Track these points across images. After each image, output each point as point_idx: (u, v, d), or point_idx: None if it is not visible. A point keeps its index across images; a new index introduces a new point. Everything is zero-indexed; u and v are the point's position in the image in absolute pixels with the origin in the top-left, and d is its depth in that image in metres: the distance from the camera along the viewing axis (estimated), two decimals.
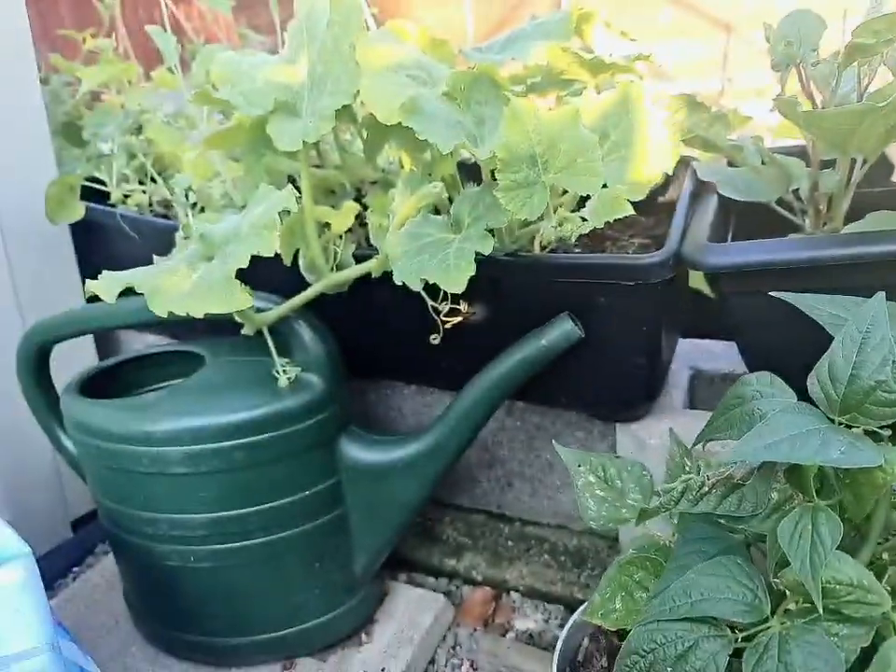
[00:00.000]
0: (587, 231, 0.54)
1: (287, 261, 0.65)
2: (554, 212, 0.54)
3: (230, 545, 0.64)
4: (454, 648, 0.78)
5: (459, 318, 0.63)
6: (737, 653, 0.37)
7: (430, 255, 0.52)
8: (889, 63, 0.58)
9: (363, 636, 0.75)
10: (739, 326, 0.61)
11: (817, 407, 0.40)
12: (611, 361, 0.65)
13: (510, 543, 0.87)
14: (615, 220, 0.75)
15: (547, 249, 0.63)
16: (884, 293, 0.40)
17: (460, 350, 0.66)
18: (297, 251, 0.67)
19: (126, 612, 0.76)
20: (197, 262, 0.51)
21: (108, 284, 0.51)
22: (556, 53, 0.58)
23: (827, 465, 0.37)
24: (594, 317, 0.62)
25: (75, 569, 0.92)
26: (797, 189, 0.64)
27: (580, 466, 0.57)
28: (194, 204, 0.81)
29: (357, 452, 0.68)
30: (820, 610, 0.34)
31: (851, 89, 0.61)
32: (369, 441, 0.69)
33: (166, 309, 0.48)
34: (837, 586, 0.35)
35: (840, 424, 0.39)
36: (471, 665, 0.76)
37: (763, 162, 0.66)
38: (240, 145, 0.66)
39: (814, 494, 0.38)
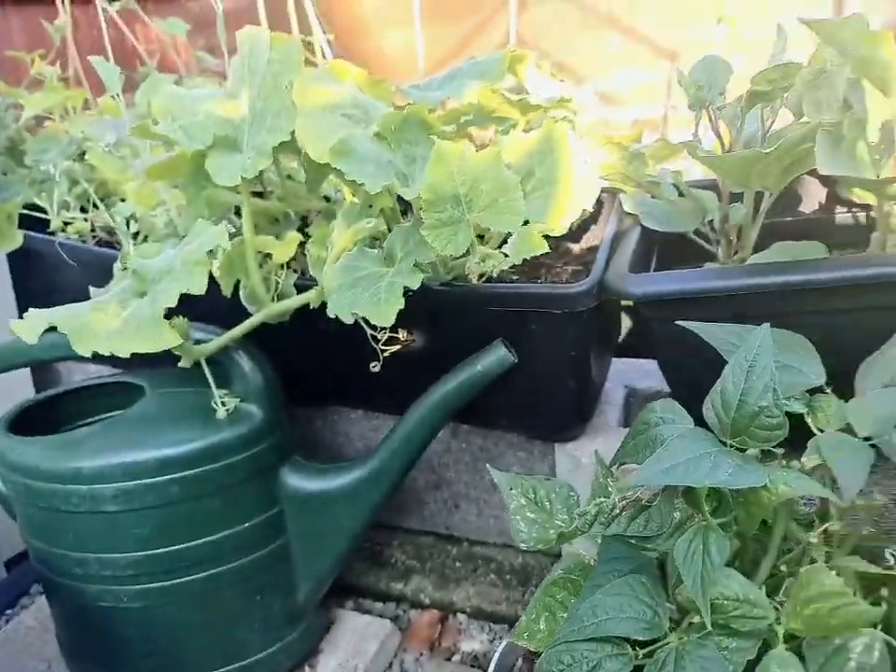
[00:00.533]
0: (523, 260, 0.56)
1: (227, 292, 0.66)
2: (485, 243, 0.57)
3: (165, 583, 0.63)
4: None
5: (398, 346, 0.65)
6: (640, 670, 0.39)
7: (363, 288, 0.54)
8: (788, 105, 0.63)
9: (307, 668, 0.74)
10: (659, 348, 0.64)
11: (712, 431, 0.43)
12: (544, 385, 0.68)
13: (457, 564, 0.88)
14: (551, 248, 0.79)
15: (484, 278, 0.66)
16: (769, 324, 0.43)
17: (403, 375, 0.68)
18: (238, 281, 0.68)
19: (59, 655, 0.74)
20: (128, 299, 0.52)
21: (32, 324, 0.51)
22: (487, 94, 0.61)
23: (717, 486, 0.40)
24: (526, 343, 0.65)
25: (8, 612, 0.88)
26: (711, 221, 0.68)
27: (512, 489, 0.59)
28: (137, 234, 0.81)
29: (298, 481, 0.69)
30: (709, 626, 0.36)
31: (757, 129, 0.66)
32: (311, 470, 0.70)
33: (91, 349, 0.49)
34: (725, 602, 0.37)
35: (732, 447, 0.42)
36: None
37: (681, 195, 0.70)
38: (181, 176, 0.66)
39: (707, 513, 0.41)
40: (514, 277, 0.72)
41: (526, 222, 0.54)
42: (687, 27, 1.93)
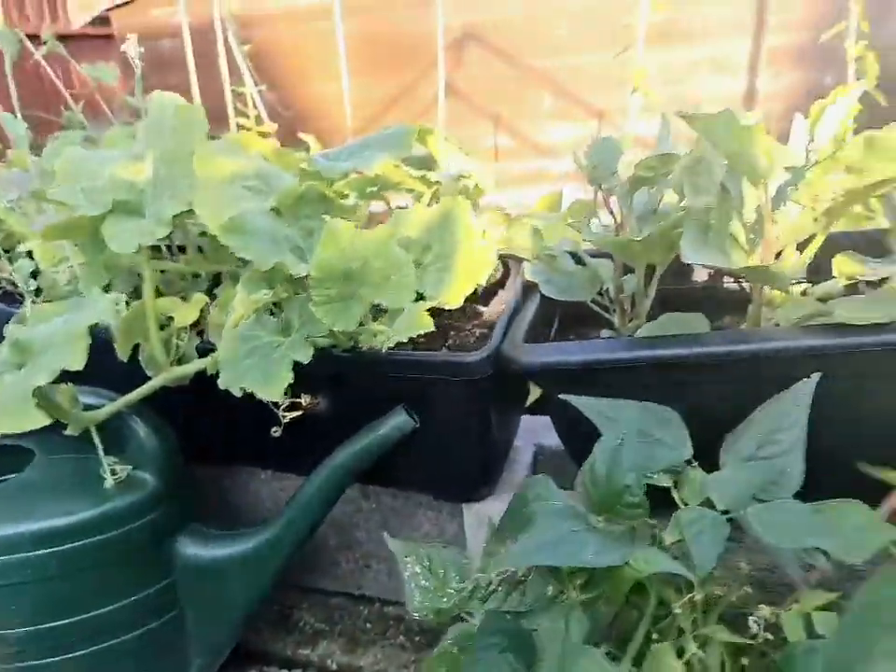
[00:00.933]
0: None
1: (125, 357, 0.64)
2: (383, 315, 0.58)
3: (48, 660, 0.60)
4: None
5: (300, 412, 0.65)
6: None
7: (258, 359, 0.54)
8: (673, 187, 0.68)
9: None
10: (553, 410, 0.67)
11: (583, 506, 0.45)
12: (447, 448, 0.69)
13: (367, 625, 0.87)
14: (461, 312, 0.81)
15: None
16: (636, 403, 0.46)
17: (310, 437, 0.68)
18: (138, 344, 0.66)
19: None
20: (4, 371, 0.50)
21: None
22: (390, 168, 0.63)
23: (581, 565, 0.41)
24: (427, 408, 0.66)
25: None
26: (608, 290, 0.72)
27: (407, 557, 0.59)
28: (39, 290, 0.79)
29: (194, 549, 0.67)
30: None
31: (647, 207, 0.71)
32: (208, 538, 0.68)
33: None
34: None
35: (600, 522, 0.44)
36: None
37: (583, 263, 0.74)
38: (80, 238, 0.65)
39: (572, 590, 0.42)
40: (422, 340, 0.74)
41: (422, 296, 0.56)
42: (614, 90, 2.06)
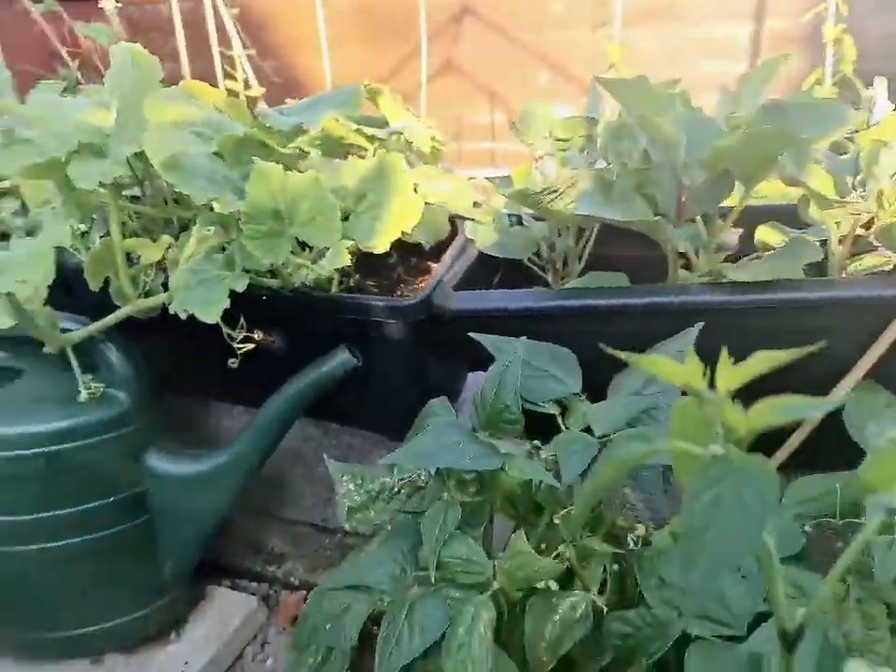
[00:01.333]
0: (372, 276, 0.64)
1: (95, 287, 0.71)
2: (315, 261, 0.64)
3: (31, 547, 0.69)
4: (262, 645, 0.85)
5: (252, 346, 0.72)
6: None
7: (205, 289, 0.61)
8: (599, 149, 0.72)
9: (173, 634, 0.81)
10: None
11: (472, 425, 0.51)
12: (390, 388, 0.75)
13: (327, 553, 0.95)
14: (413, 267, 0.87)
15: (342, 287, 0.74)
16: (525, 338, 0.52)
17: (271, 374, 0.75)
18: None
19: None
20: None
21: None
22: (332, 123, 0.69)
23: (459, 468, 0.48)
24: (369, 349, 0.72)
25: None
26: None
27: (343, 476, 0.66)
28: (32, 231, 0.85)
29: (163, 464, 0.75)
30: (432, 580, 0.44)
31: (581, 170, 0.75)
32: (175, 455, 0.76)
33: None
34: (453, 560, 0.45)
35: (486, 437, 0.50)
36: (275, 660, 0.83)
37: (522, 224, 0.79)
38: (54, 178, 0.72)
39: (452, 491, 0.49)
40: (375, 292, 0.80)
41: (353, 239, 0.62)
42: (607, 67, 2.06)
